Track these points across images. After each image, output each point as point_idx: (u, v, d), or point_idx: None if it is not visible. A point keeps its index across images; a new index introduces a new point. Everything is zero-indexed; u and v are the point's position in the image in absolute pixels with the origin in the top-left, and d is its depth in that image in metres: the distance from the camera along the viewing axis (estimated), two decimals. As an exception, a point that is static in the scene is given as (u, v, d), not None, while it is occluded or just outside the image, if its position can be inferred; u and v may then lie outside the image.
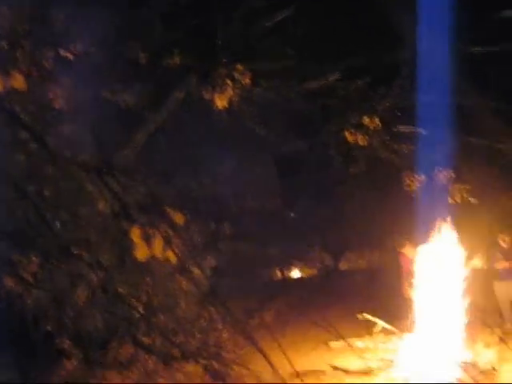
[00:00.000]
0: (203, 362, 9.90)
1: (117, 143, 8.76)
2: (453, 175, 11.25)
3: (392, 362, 10.64)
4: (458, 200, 11.26)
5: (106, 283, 8.91)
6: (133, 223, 5.14)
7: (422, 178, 11.23)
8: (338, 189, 16.22)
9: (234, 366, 10.28)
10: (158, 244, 5.04)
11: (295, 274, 23.30)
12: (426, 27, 10.25)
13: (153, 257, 5.01)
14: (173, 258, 5.15)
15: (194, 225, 8.79)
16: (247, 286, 14.17)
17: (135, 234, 5.06)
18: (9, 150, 7.89)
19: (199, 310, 11.49)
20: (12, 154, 7.92)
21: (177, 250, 5.06)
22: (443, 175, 11.20)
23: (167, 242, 5.01)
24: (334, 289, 18.66)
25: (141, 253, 5.06)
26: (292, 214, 18.44)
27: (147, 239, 4.98)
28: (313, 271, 23.09)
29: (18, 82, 6.20)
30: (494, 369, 9.90)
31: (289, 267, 22.55)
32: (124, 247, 7.00)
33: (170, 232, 5.09)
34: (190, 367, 10.08)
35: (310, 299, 16.78)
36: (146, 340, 9.80)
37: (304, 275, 23.14)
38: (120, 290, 9.41)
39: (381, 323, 12.31)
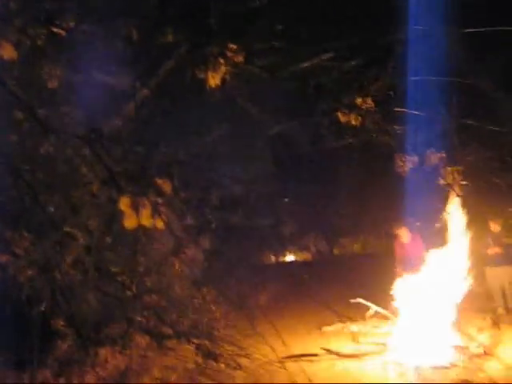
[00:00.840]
0: (196, 341, 9.94)
1: (106, 113, 8.77)
2: (444, 156, 11.26)
3: (385, 345, 10.67)
4: (450, 181, 11.27)
5: (98, 262, 8.93)
6: (122, 192, 5.14)
7: (414, 158, 11.25)
8: (331, 172, 16.23)
9: (226, 346, 10.32)
10: (146, 213, 5.05)
11: (289, 258, 23.31)
12: (419, 7, 10.25)
13: (140, 225, 5.02)
14: (160, 225, 5.15)
15: (183, 193, 8.83)
16: (240, 268, 14.19)
17: (124, 203, 5.05)
18: (3, 130, 7.90)
19: (192, 290, 11.54)
20: (6, 135, 7.93)
21: (164, 218, 5.07)
22: (435, 156, 11.21)
23: (155, 211, 5.02)
24: (328, 273, 18.72)
25: (129, 222, 5.06)
26: (286, 199, 18.47)
27: (136, 208, 4.99)
28: (307, 256, 23.12)
29: (8, 51, 6.17)
30: (485, 352, 9.93)
31: (283, 251, 22.62)
32: (113, 216, 7.02)
33: (159, 200, 5.10)
34: (183, 346, 10.13)
35: (303, 283, 16.84)
36: (139, 319, 9.83)
37: (298, 259, 23.16)
38: (113, 269, 9.44)
39: (374, 307, 12.33)
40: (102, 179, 6.06)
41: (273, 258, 22.24)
